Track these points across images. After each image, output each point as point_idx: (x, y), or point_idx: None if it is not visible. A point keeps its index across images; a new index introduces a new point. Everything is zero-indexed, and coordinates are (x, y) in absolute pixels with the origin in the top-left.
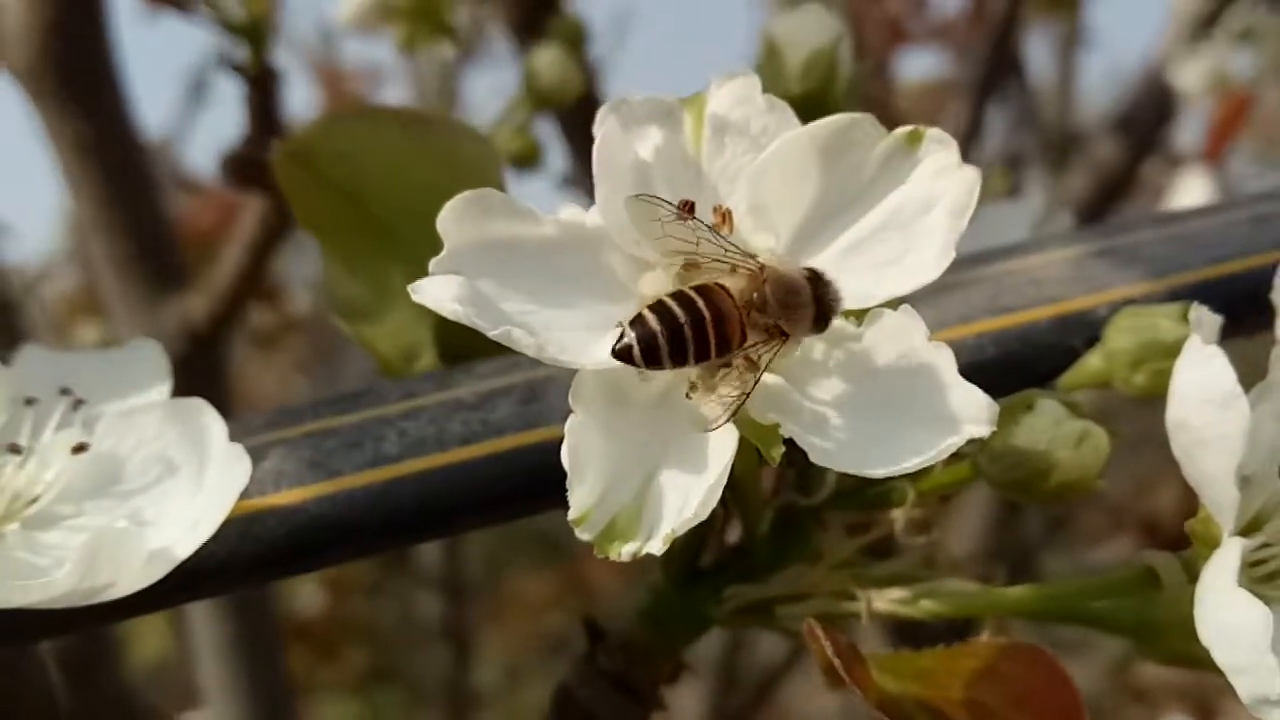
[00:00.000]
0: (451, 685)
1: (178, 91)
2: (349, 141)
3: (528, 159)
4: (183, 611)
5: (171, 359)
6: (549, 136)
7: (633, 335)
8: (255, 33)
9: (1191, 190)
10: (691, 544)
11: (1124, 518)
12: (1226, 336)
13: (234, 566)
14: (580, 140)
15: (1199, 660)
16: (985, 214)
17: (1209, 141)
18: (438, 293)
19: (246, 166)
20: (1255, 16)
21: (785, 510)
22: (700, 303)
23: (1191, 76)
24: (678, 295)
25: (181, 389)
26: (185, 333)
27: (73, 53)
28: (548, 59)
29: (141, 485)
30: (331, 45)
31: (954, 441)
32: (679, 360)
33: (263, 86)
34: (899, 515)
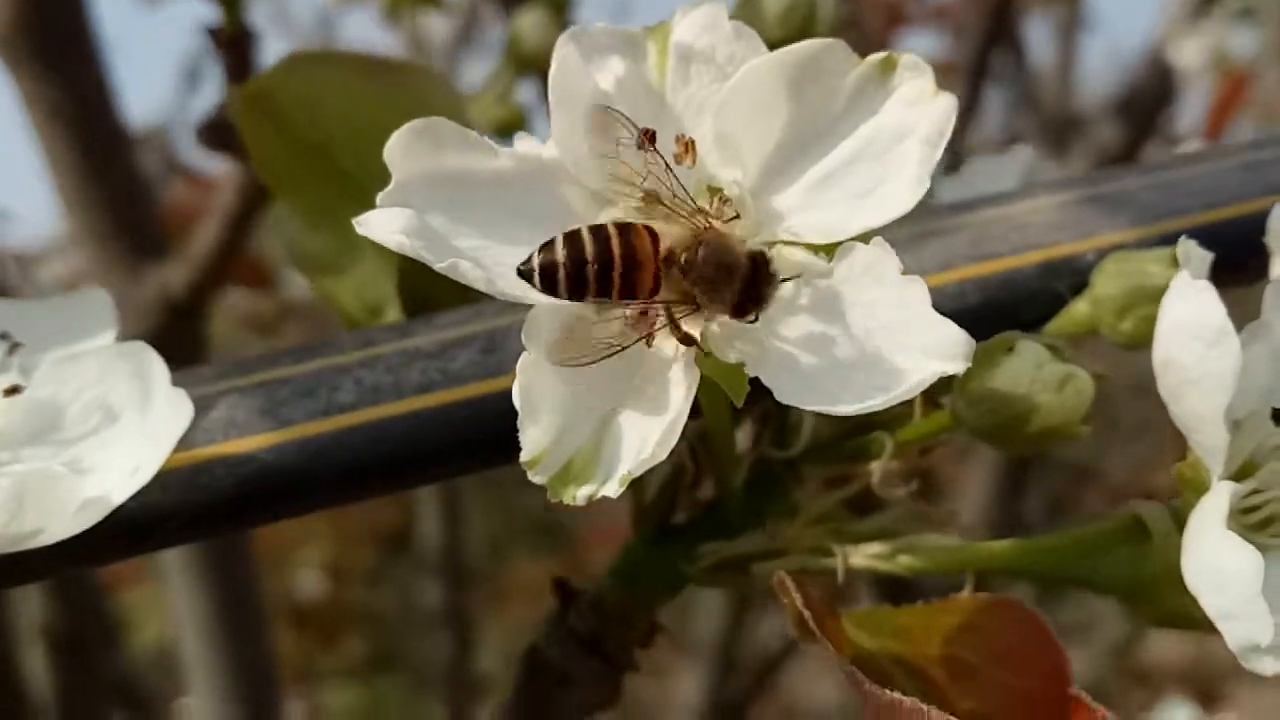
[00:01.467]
0: (453, 672)
1: (172, 80)
2: (310, 86)
3: (512, 126)
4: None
5: (150, 330)
6: (534, 105)
7: (537, 259)
8: None
9: None
10: (664, 500)
11: (1126, 495)
12: (1220, 285)
13: (180, 517)
14: None
15: (1191, 619)
16: (975, 167)
17: (1209, 120)
18: (384, 225)
19: (221, 130)
20: None
21: (760, 464)
22: (615, 241)
23: (1191, 54)
24: (596, 228)
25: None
26: (164, 303)
27: (50, 19)
28: (531, 21)
29: (81, 433)
30: (329, 30)
31: (925, 377)
32: (577, 294)
33: (238, 49)
34: (877, 467)
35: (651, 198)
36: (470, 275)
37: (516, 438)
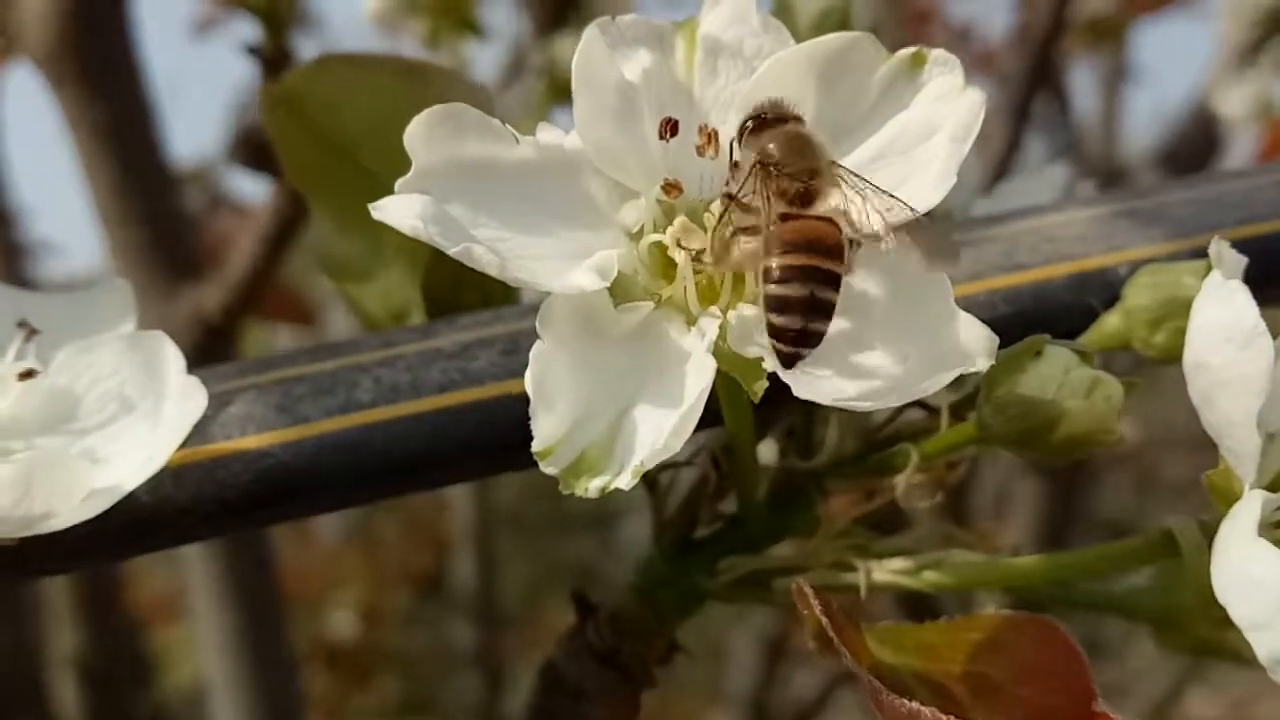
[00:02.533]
0: (484, 715)
1: (220, 116)
2: (339, 89)
3: None
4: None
5: (185, 350)
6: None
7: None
8: (273, 15)
9: None
10: (685, 514)
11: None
12: (1258, 301)
13: (195, 511)
14: None
15: (1221, 648)
16: (1009, 185)
17: None
18: (401, 210)
19: (258, 149)
20: None
21: (784, 477)
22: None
23: (1236, 103)
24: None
25: None
26: (198, 323)
27: (92, 38)
28: (570, 47)
29: (97, 423)
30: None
31: (948, 375)
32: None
33: (277, 69)
34: (901, 480)
35: (674, 189)
36: (483, 260)
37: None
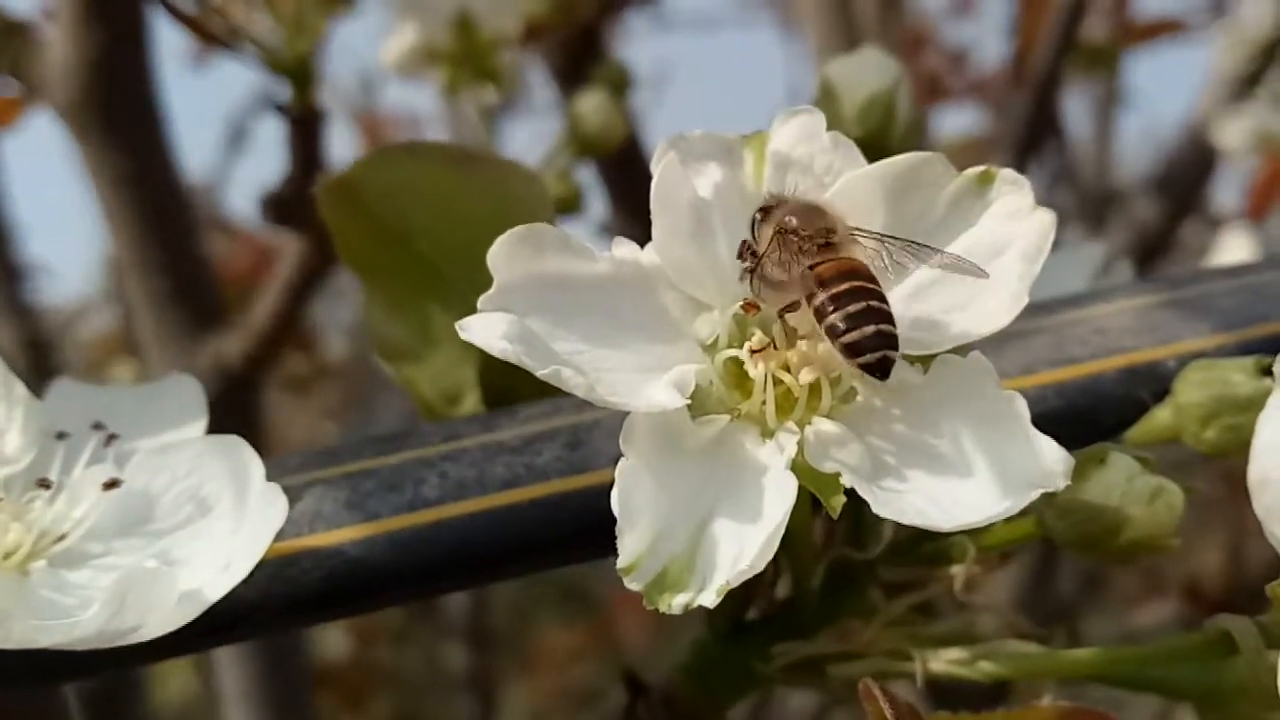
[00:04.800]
0: None
1: (219, 136)
2: (396, 177)
3: (569, 205)
4: (210, 653)
5: (207, 400)
6: (588, 181)
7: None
8: (300, 73)
9: (1234, 249)
10: (739, 596)
11: (1163, 580)
12: None
13: (266, 610)
14: (620, 185)
15: None
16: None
17: (1252, 200)
18: (486, 330)
19: (287, 206)
20: None
21: (837, 564)
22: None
23: (1235, 135)
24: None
25: (216, 430)
26: (220, 373)
27: (116, 89)
28: (592, 104)
29: (173, 524)
30: (371, 91)
31: (1026, 497)
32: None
33: (306, 127)
34: (958, 572)
35: (753, 308)
36: (572, 382)
37: (600, 534)
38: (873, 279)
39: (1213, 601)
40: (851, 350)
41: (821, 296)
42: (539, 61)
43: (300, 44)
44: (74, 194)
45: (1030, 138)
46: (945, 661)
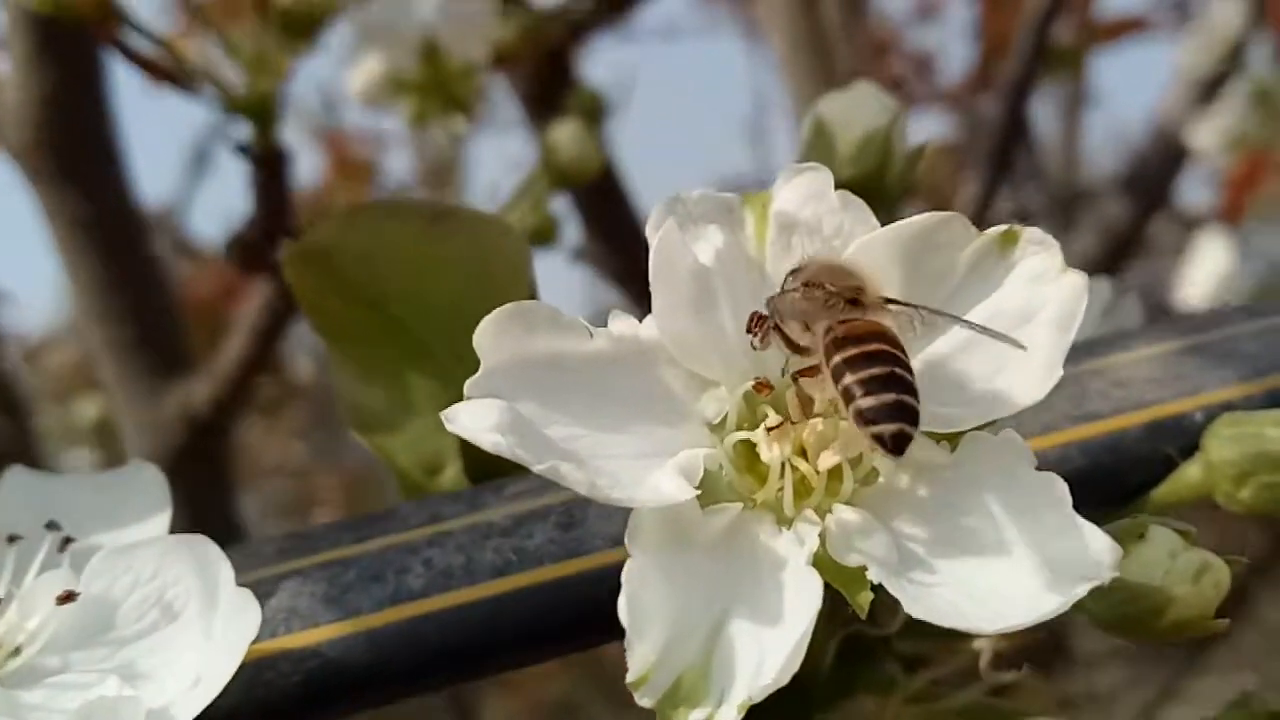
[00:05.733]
0: None
1: (181, 159)
2: (369, 241)
3: (545, 236)
4: None
5: (173, 446)
6: (561, 208)
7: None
8: (261, 112)
9: (1212, 250)
10: None
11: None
12: None
13: (238, 718)
14: (594, 211)
15: None
16: None
17: (1227, 200)
18: (474, 421)
19: (253, 250)
20: (1269, 77)
21: (851, 639)
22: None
23: (1209, 135)
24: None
25: (183, 477)
26: (187, 419)
27: (71, 130)
28: (567, 134)
29: (136, 633)
30: (334, 109)
31: (1074, 594)
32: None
33: (270, 167)
34: (984, 647)
35: (765, 388)
36: (571, 478)
37: (598, 622)
38: (898, 345)
39: None
40: (865, 419)
41: (838, 358)
42: (506, 84)
43: (262, 83)
44: (36, 220)
45: (1003, 147)
46: None
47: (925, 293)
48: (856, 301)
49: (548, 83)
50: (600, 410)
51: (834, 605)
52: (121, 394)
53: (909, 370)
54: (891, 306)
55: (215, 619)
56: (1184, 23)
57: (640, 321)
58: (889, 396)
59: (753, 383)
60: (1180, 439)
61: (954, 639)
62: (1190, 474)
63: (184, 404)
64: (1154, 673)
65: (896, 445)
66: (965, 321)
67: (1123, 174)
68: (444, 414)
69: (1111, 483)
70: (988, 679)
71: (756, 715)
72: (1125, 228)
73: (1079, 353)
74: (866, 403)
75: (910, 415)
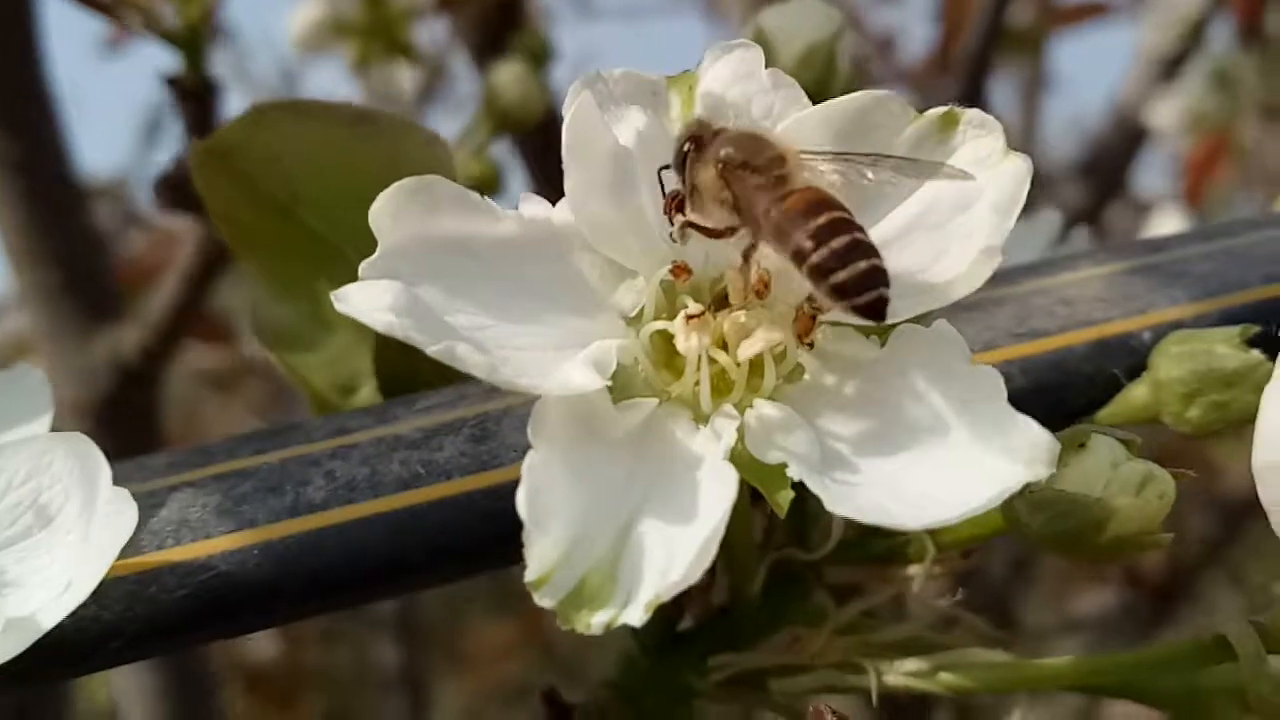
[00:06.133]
0: None
1: (133, 131)
2: (277, 141)
3: (487, 184)
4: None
5: (101, 396)
6: (509, 161)
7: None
8: (192, 43)
9: (1168, 229)
10: (670, 603)
11: (1101, 566)
12: None
13: (122, 635)
14: (543, 164)
15: None
16: None
17: (1187, 181)
18: (368, 300)
19: (181, 187)
20: (1228, 57)
21: (780, 565)
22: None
23: (1167, 115)
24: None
25: (112, 429)
26: (116, 369)
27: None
28: (509, 75)
29: (7, 538)
30: (291, 82)
31: (1005, 488)
32: None
33: (200, 100)
34: (917, 572)
35: (683, 272)
36: (469, 360)
37: (512, 539)
38: (847, 209)
39: (1153, 587)
40: (843, 291)
41: (799, 236)
42: (459, 43)
43: (190, 11)
44: None
45: None
46: (902, 674)
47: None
48: (783, 174)
49: (497, 33)
50: (509, 298)
51: (767, 534)
52: (49, 341)
53: (866, 233)
54: (813, 162)
55: (90, 520)
56: (1145, 8)
57: (554, 206)
58: (863, 264)
59: (670, 266)
60: (1127, 358)
61: (887, 566)
62: (1137, 394)
63: (113, 351)
64: (1106, 644)
65: (878, 311)
66: (895, 157)
67: (1081, 159)
68: (335, 294)
69: (1055, 403)
70: (920, 607)
71: (683, 648)
72: (1083, 212)
73: (1024, 272)
74: (842, 276)
75: (885, 279)
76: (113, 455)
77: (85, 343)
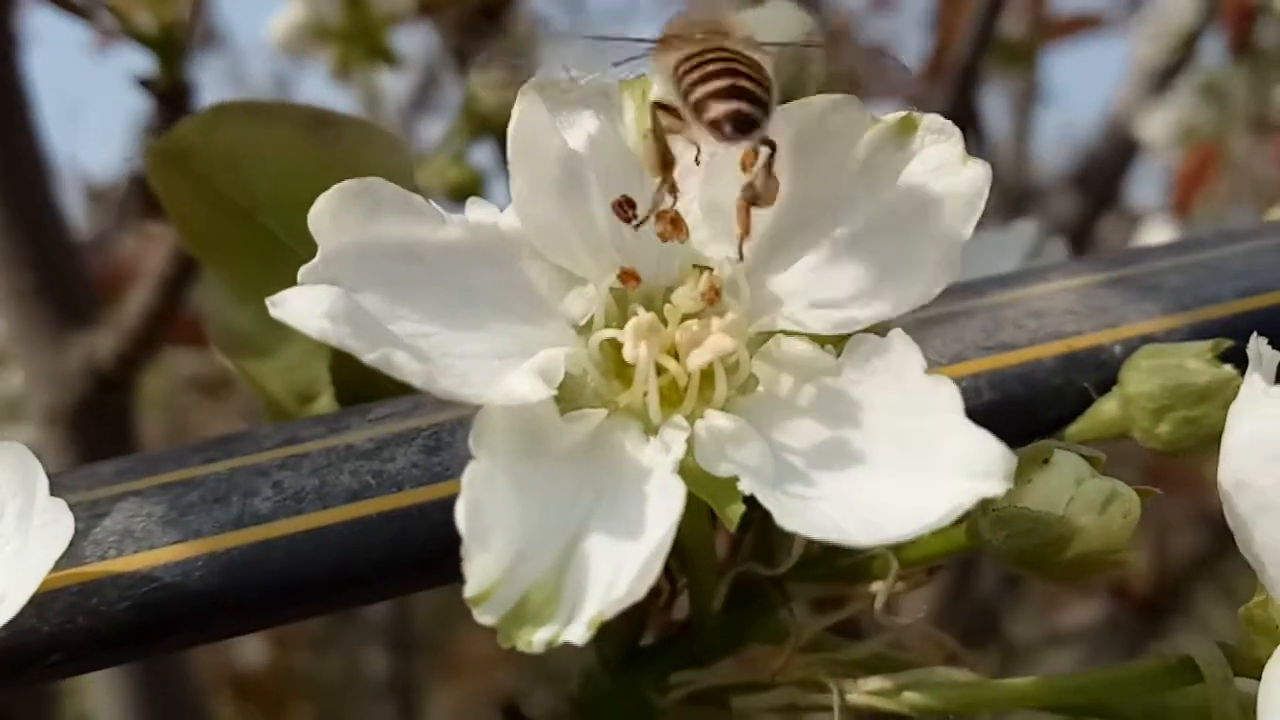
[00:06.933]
0: None
1: (126, 133)
2: (236, 142)
3: (467, 189)
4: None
5: (74, 403)
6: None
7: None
8: (167, 45)
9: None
10: (631, 619)
11: (1089, 580)
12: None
13: (61, 648)
14: None
15: None
16: (971, 243)
17: (1177, 193)
18: (303, 305)
19: (150, 193)
20: (1219, 70)
21: (742, 581)
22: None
23: (1158, 128)
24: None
25: (86, 435)
26: (90, 374)
27: None
28: (488, 79)
29: None
30: (284, 90)
31: (959, 504)
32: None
33: (174, 102)
34: (880, 589)
35: (631, 278)
36: (407, 369)
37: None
38: (749, 60)
39: (1141, 601)
40: (702, 112)
41: (685, 82)
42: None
43: (163, 12)
44: None
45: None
46: (866, 692)
47: (819, 185)
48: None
49: (479, 36)
50: (454, 306)
51: (730, 550)
52: (22, 345)
53: (760, 86)
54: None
55: (25, 529)
56: (1137, 21)
57: (501, 211)
58: (723, 82)
59: (618, 272)
60: (1098, 372)
61: (851, 582)
62: (1107, 409)
63: (88, 357)
64: (1095, 658)
65: (735, 125)
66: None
67: (1073, 172)
68: (271, 299)
69: (1023, 417)
70: (883, 623)
71: (644, 664)
72: (1075, 224)
73: (994, 284)
74: (701, 91)
75: (747, 96)
76: (86, 461)
77: (60, 347)
